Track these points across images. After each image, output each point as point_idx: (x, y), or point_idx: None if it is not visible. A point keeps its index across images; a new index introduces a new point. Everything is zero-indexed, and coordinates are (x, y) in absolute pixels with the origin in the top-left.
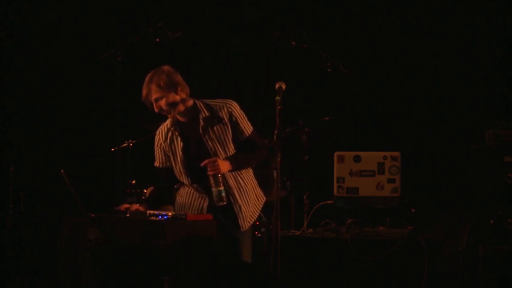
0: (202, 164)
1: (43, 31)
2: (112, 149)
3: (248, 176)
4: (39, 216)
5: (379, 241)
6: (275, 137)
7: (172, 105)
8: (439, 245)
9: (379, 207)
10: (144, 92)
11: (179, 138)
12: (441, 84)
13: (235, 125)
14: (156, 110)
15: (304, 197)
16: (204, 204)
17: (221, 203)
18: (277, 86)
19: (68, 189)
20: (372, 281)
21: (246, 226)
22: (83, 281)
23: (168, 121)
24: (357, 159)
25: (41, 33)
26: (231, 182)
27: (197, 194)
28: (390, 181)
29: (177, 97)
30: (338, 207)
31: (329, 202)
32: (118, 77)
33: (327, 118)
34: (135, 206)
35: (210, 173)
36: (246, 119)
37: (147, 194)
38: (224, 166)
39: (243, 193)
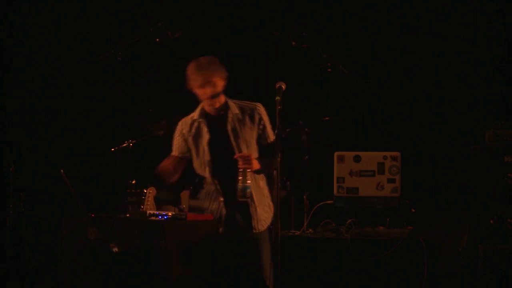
0: (235, 156)
1: (43, 31)
2: (112, 149)
3: (264, 182)
4: (39, 216)
5: (379, 241)
6: (275, 137)
7: (217, 94)
8: (439, 245)
9: (379, 207)
10: (199, 75)
11: (205, 130)
12: (441, 84)
13: (262, 129)
14: (202, 95)
15: (304, 197)
16: (221, 204)
17: (244, 199)
18: (277, 86)
19: (68, 189)
20: (372, 281)
21: (259, 228)
22: (83, 281)
23: (194, 114)
24: (357, 159)
25: (41, 33)
26: (252, 182)
27: (214, 195)
28: (390, 181)
29: (221, 88)
30: (338, 207)
31: (329, 202)
32: (118, 77)
33: (327, 118)
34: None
35: (241, 167)
36: (270, 125)
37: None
38: (255, 163)
39: (260, 196)
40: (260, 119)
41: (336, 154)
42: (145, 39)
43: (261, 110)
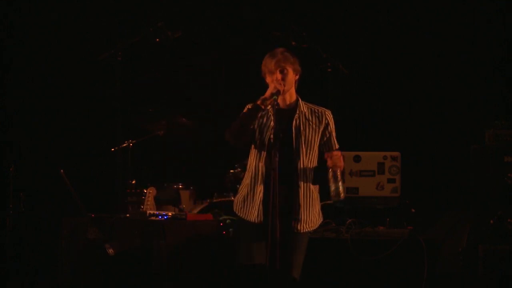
0: (326, 156)
1: (43, 31)
2: (112, 149)
3: (316, 189)
4: (39, 216)
5: (379, 241)
6: (273, 137)
7: (290, 83)
8: (439, 245)
9: (379, 207)
10: (274, 58)
11: (271, 119)
12: (441, 84)
13: (329, 136)
14: (278, 77)
15: None
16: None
17: (338, 199)
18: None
19: (68, 189)
20: (372, 281)
21: (298, 228)
22: (83, 281)
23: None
24: (357, 159)
25: (41, 33)
26: (303, 183)
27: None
28: (390, 181)
29: (292, 80)
30: (338, 207)
31: (329, 202)
32: (118, 77)
33: None
34: None
35: (330, 165)
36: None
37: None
38: (342, 161)
39: (308, 198)
40: (328, 124)
41: None
42: (145, 39)
43: (330, 116)
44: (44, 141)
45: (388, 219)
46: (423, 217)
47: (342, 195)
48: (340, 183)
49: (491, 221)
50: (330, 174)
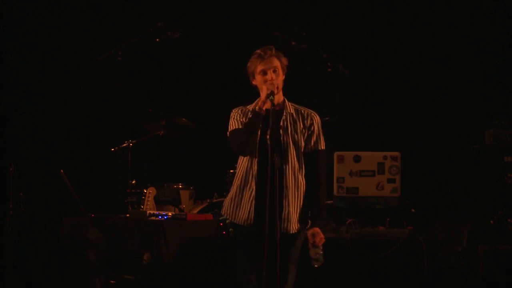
0: (308, 233)
1: (43, 31)
2: (112, 149)
3: (303, 189)
4: (39, 216)
5: (379, 241)
6: (269, 137)
7: (281, 82)
8: (439, 245)
9: (379, 207)
10: (265, 58)
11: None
12: (441, 84)
13: (311, 133)
14: (273, 77)
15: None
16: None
17: (319, 264)
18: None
19: (68, 189)
20: (372, 281)
21: (288, 228)
22: (83, 281)
23: (250, 106)
24: (357, 159)
25: (41, 33)
26: (290, 183)
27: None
28: (390, 181)
29: (281, 80)
30: (338, 207)
31: (329, 202)
32: (118, 77)
33: (327, 118)
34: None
35: (318, 244)
36: (323, 137)
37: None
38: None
39: (294, 196)
40: (312, 124)
41: (336, 154)
42: (145, 39)
43: (316, 117)
44: (44, 141)
45: (388, 219)
46: (423, 217)
47: (322, 260)
48: (320, 249)
49: (491, 221)
50: (310, 244)
